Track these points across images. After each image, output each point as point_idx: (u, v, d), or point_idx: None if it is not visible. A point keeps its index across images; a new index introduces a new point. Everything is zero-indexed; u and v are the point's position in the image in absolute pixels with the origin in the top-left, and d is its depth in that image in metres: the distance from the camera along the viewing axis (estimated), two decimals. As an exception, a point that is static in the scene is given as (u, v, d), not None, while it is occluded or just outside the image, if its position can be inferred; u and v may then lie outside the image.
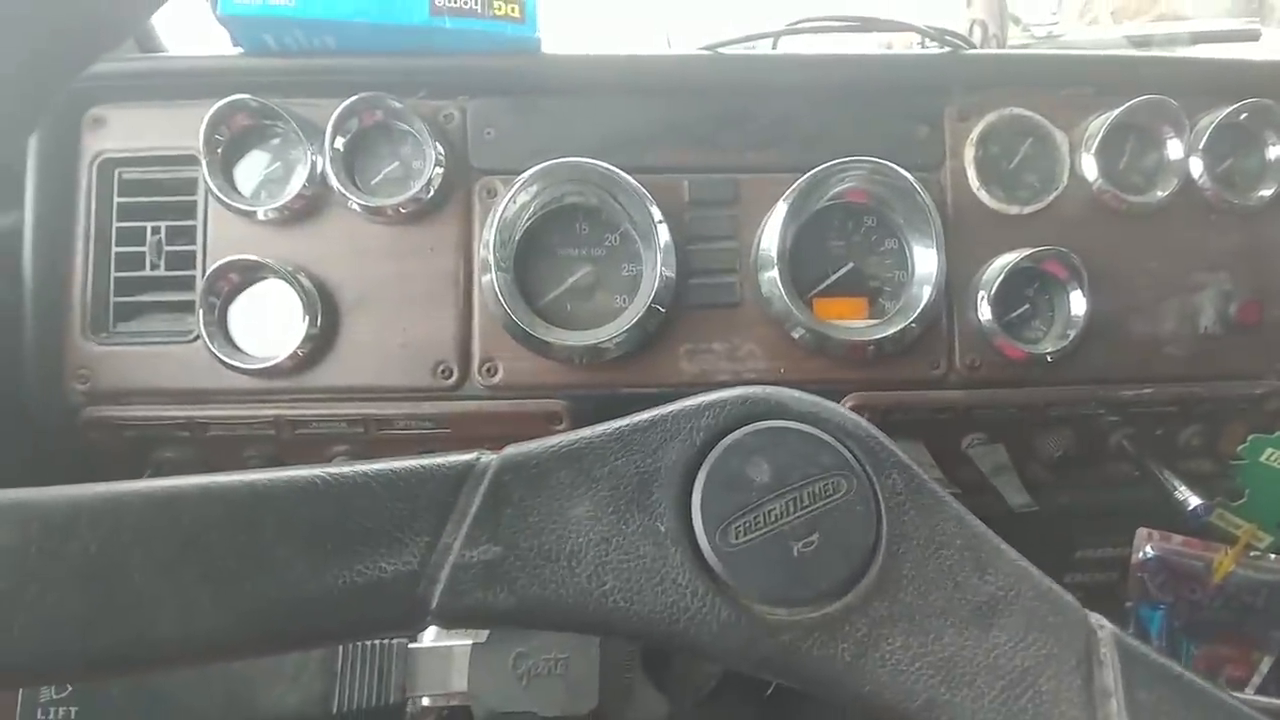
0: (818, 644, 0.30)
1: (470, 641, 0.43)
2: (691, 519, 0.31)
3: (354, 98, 0.57)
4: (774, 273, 0.57)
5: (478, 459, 0.31)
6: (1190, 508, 0.57)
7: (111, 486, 0.27)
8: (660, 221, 0.57)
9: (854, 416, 0.34)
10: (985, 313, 0.59)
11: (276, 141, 0.60)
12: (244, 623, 0.27)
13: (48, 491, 0.26)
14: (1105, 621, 0.31)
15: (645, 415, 0.33)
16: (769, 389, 0.34)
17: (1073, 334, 0.59)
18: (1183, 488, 0.59)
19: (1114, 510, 0.70)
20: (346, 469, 0.30)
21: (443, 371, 0.59)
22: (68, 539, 0.26)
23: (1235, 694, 0.30)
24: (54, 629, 0.25)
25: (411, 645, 0.43)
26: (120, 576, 0.26)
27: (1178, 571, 0.67)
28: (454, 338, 0.59)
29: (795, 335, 0.59)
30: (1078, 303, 0.59)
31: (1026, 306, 0.61)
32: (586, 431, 0.33)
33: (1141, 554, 0.68)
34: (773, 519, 0.31)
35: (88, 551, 0.26)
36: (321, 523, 0.28)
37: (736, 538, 0.31)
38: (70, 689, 0.39)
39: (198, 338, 0.58)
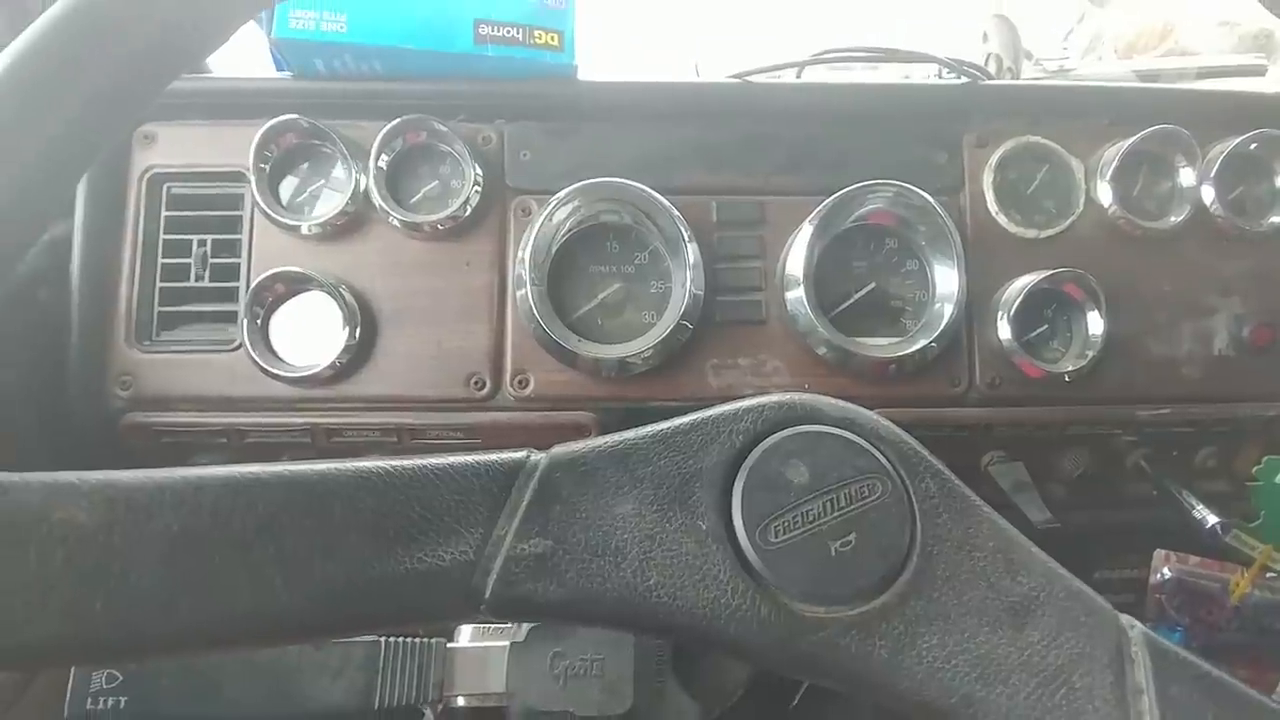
0: (855, 641, 0.31)
1: (507, 642, 0.44)
2: (732, 518, 0.33)
3: (400, 119, 0.59)
4: (799, 291, 0.59)
5: (528, 456, 0.33)
6: (1208, 525, 0.58)
7: (193, 470, 0.28)
8: (689, 240, 0.59)
9: (887, 423, 0.36)
10: (1005, 332, 0.60)
11: (321, 160, 0.63)
12: (313, 604, 0.28)
13: (133, 473, 0.28)
14: (1135, 621, 0.32)
15: (687, 419, 0.35)
16: (805, 395, 0.36)
17: (1091, 354, 0.60)
18: (1200, 506, 0.60)
19: (1132, 531, 0.70)
20: (407, 462, 0.31)
21: (475, 382, 0.60)
22: (151, 518, 0.27)
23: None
24: (136, 605, 0.26)
25: (450, 645, 0.44)
26: (199, 556, 0.27)
27: (1195, 593, 0.67)
28: (487, 350, 0.61)
29: (819, 352, 0.60)
30: (1095, 323, 0.61)
31: (1045, 327, 0.62)
32: (631, 433, 0.34)
33: (1159, 575, 0.69)
34: (810, 519, 0.33)
35: (170, 531, 0.27)
36: (385, 511, 0.30)
37: (776, 536, 0.32)
38: (121, 679, 0.40)
39: (239, 346, 0.59)
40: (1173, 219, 0.64)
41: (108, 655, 0.32)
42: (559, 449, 0.33)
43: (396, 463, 0.31)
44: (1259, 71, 0.90)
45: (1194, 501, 0.61)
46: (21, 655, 0.26)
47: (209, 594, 0.27)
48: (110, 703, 0.40)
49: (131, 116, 0.31)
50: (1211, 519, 0.59)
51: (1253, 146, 0.63)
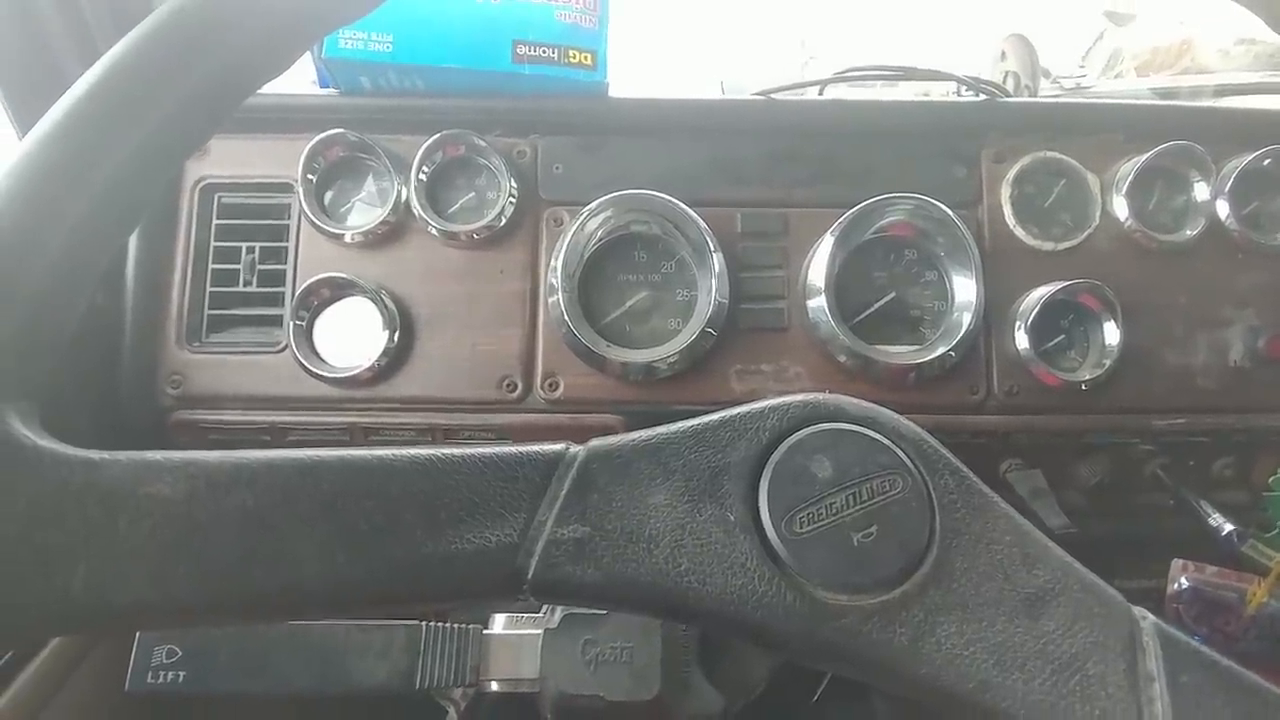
0: (876, 628, 0.32)
1: (541, 630, 0.46)
2: (759, 509, 0.34)
3: (440, 134, 0.62)
4: (821, 300, 0.61)
5: (567, 448, 0.35)
6: (1224, 533, 0.59)
7: (266, 452, 0.30)
8: (715, 250, 0.61)
9: (907, 422, 0.37)
10: (1022, 341, 0.62)
11: (360, 172, 0.66)
12: (372, 577, 0.30)
13: (213, 453, 0.30)
14: (1147, 613, 0.33)
15: (716, 416, 0.36)
16: (829, 395, 0.37)
17: (1107, 364, 0.61)
18: (1217, 515, 0.61)
19: (1149, 540, 0.71)
20: (457, 451, 0.33)
21: (507, 385, 0.63)
22: (229, 494, 0.29)
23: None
24: (213, 573, 0.29)
25: (486, 632, 0.46)
26: (271, 531, 0.29)
27: (1212, 603, 0.67)
28: (519, 354, 0.63)
29: (840, 359, 0.62)
30: (1111, 334, 0.62)
31: (1062, 337, 0.64)
32: (663, 429, 0.36)
33: (1176, 585, 0.69)
34: (834, 511, 0.34)
35: (245, 506, 0.29)
36: (437, 495, 0.32)
37: (800, 527, 0.33)
38: (180, 654, 0.42)
39: (285, 348, 0.62)
40: (1188, 232, 0.65)
41: (186, 619, 0.34)
42: (596, 442, 0.35)
43: (448, 451, 0.33)
44: (1276, 89, 0.91)
45: (1211, 511, 0.62)
46: (110, 616, 0.28)
47: (278, 565, 0.29)
48: (169, 676, 0.42)
49: (213, 129, 0.34)
50: (1228, 528, 0.60)
51: (1266, 162, 0.64)
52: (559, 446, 0.34)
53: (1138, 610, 0.33)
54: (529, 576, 0.32)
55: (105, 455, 0.29)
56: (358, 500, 0.31)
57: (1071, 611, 0.32)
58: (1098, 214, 0.66)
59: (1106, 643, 0.32)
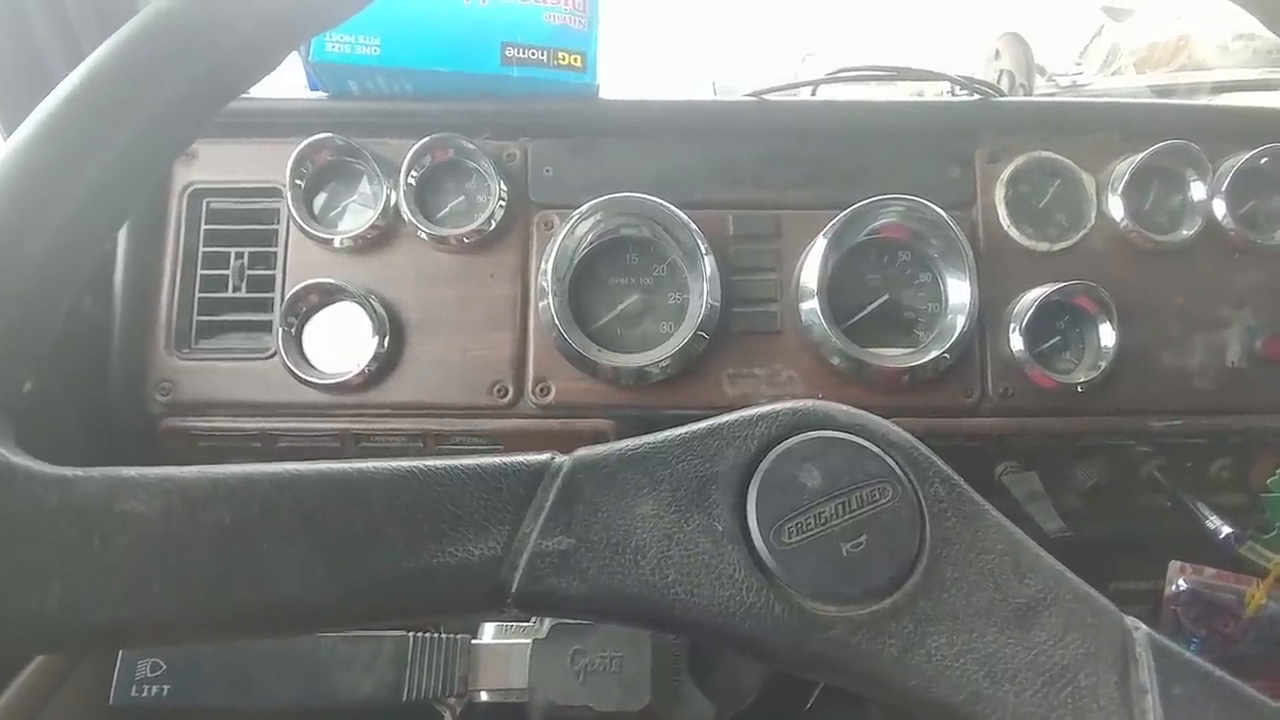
0: (865, 639, 0.32)
1: (530, 640, 0.46)
2: (747, 519, 0.33)
3: (429, 137, 0.62)
4: (813, 303, 0.61)
5: (552, 459, 0.34)
6: (1221, 536, 0.59)
7: (243, 467, 0.30)
8: (707, 253, 0.61)
9: (897, 429, 0.36)
10: (1017, 343, 0.61)
11: (351, 176, 0.65)
12: (353, 592, 0.30)
13: (189, 469, 0.30)
14: (1140, 623, 0.33)
15: (704, 424, 0.36)
16: (818, 403, 0.37)
17: (1103, 365, 0.61)
18: (1213, 517, 0.60)
19: (1146, 542, 0.71)
20: (440, 462, 0.33)
21: (498, 390, 0.62)
22: (206, 511, 0.29)
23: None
24: (191, 590, 0.28)
25: (474, 641, 0.46)
26: (249, 546, 0.29)
27: (1210, 605, 0.67)
28: (510, 359, 0.63)
29: (833, 362, 0.62)
30: (1107, 335, 0.62)
31: (1057, 339, 0.63)
32: (651, 437, 0.36)
33: (1174, 587, 0.69)
34: (823, 521, 0.33)
35: (222, 522, 0.29)
36: (419, 507, 0.31)
37: (789, 537, 0.33)
38: (164, 668, 0.42)
39: (274, 354, 0.62)
40: (1184, 232, 0.65)
41: (164, 637, 0.33)
42: (582, 452, 0.35)
43: (430, 462, 0.32)
44: (1275, 86, 0.91)
45: (1208, 513, 0.62)
46: (86, 634, 0.28)
47: (258, 581, 0.29)
48: (154, 690, 0.42)
49: (199, 131, 0.33)
50: (1226, 530, 0.60)
51: (1263, 161, 0.64)
52: (544, 456, 0.34)
53: (1130, 620, 0.33)
54: (513, 590, 0.31)
55: (79, 472, 0.29)
56: (338, 514, 0.30)
57: (1063, 622, 0.32)
58: (1093, 214, 0.65)
59: (1098, 654, 0.31)
